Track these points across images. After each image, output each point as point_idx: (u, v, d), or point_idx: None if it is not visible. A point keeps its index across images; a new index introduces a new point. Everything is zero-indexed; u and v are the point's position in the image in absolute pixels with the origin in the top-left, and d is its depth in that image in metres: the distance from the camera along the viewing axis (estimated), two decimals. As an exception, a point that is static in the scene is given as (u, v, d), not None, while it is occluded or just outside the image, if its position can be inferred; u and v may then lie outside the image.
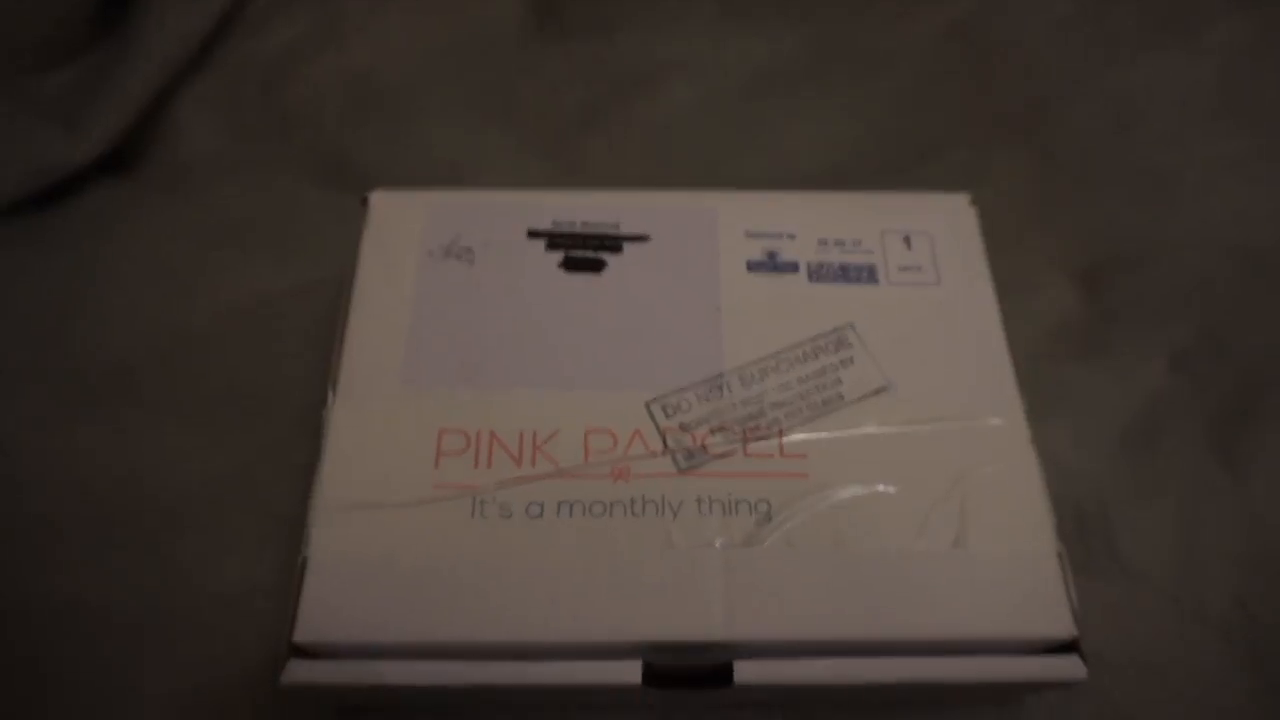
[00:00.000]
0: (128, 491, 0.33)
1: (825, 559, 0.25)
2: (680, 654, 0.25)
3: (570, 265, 0.30)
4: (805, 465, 0.27)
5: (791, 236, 0.31)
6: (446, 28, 0.48)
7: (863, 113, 0.44)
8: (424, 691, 0.25)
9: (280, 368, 0.36)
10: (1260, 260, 0.39)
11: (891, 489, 0.26)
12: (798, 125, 0.44)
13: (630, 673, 0.24)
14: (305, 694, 0.25)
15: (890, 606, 0.25)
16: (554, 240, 0.31)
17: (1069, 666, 0.24)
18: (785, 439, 0.27)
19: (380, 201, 0.32)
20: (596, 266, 0.30)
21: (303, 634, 0.24)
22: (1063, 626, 0.25)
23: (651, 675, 0.24)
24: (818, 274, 0.30)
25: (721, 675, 0.24)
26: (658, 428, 0.27)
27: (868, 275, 0.30)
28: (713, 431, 0.27)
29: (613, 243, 0.31)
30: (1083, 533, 0.32)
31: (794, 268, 0.30)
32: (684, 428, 0.27)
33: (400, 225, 0.31)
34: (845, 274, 0.30)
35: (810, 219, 0.31)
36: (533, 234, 0.31)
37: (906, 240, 0.31)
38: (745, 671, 0.24)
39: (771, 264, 0.31)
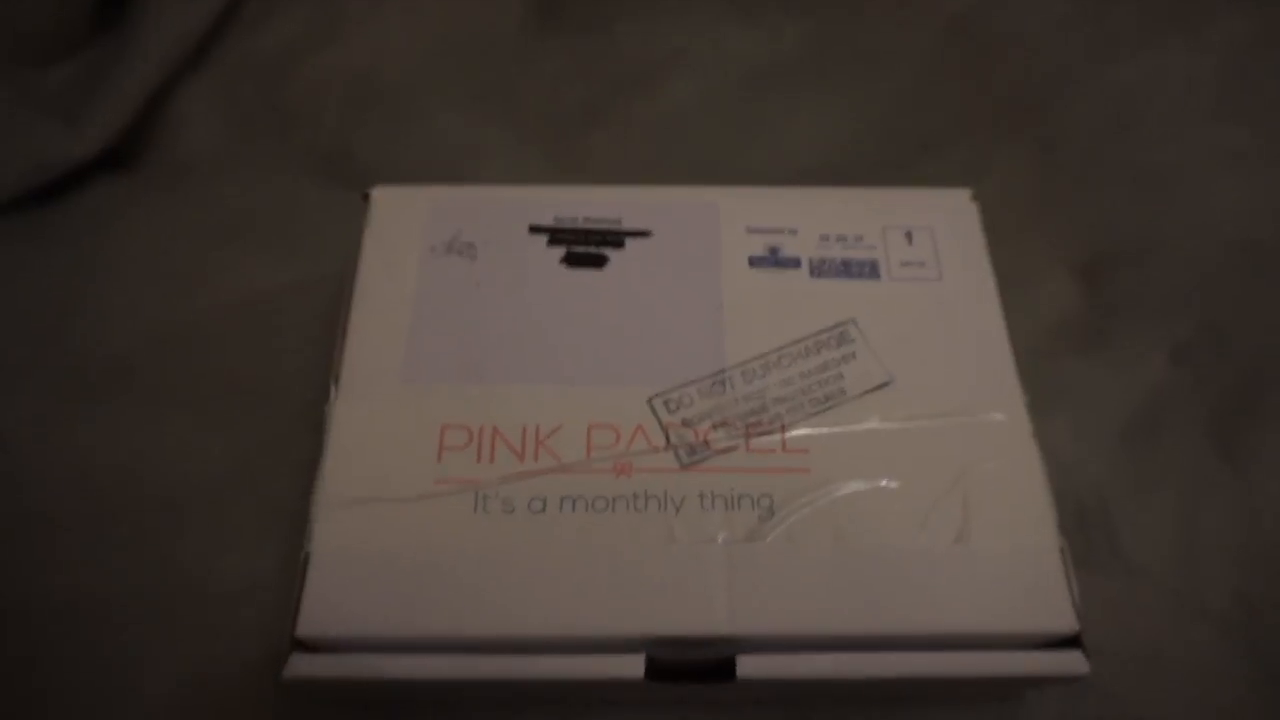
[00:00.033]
0: (128, 487, 0.33)
1: (827, 554, 0.25)
2: (683, 649, 0.25)
3: (572, 261, 0.30)
4: (807, 461, 0.27)
5: (793, 232, 0.31)
6: (446, 24, 0.47)
7: (863, 108, 0.44)
8: (426, 686, 0.25)
9: (280, 364, 0.36)
10: (1260, 255, 0.39)
11: (893, 484, 0.26)
12: (798, 121, 0.44)
13: (633, 667, 0.24)
14: (307, 688, 0.25)
15: (892, 602, 0.25)
16: (556, 236, 0.31)
17: (1071, 661, 0.25)
18: (787, 434, 0.27)
19: (382, 197, 0.32)
20: (598, 262, 0.30)
21: (305, 628, 0.24)
22: (1065, 621, 0.25)
23: (654, 670, 0.24)
24: (819, 269, 0.30)
25: (724, 670, 0.24)
26: (660, 423, 0.27)
27: (869, 271, 0.30)
28: (715, 427, 0.27)
29: (615, 238, 0.31)
30: (1084, 527, 0.33)
31: (796, 263, 0.30)
32: (686, 423, 0.27)
33: (402, 221, 0.31)
34: (847, 269, 0.30)
35: (812, 214, 0.31)
36: (535, 230, 0.31)
37: (908, 236, 0.31)
38: (748, 666, 0.24)
39: (773, 260, 0.31)
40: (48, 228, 0.40)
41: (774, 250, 0.31)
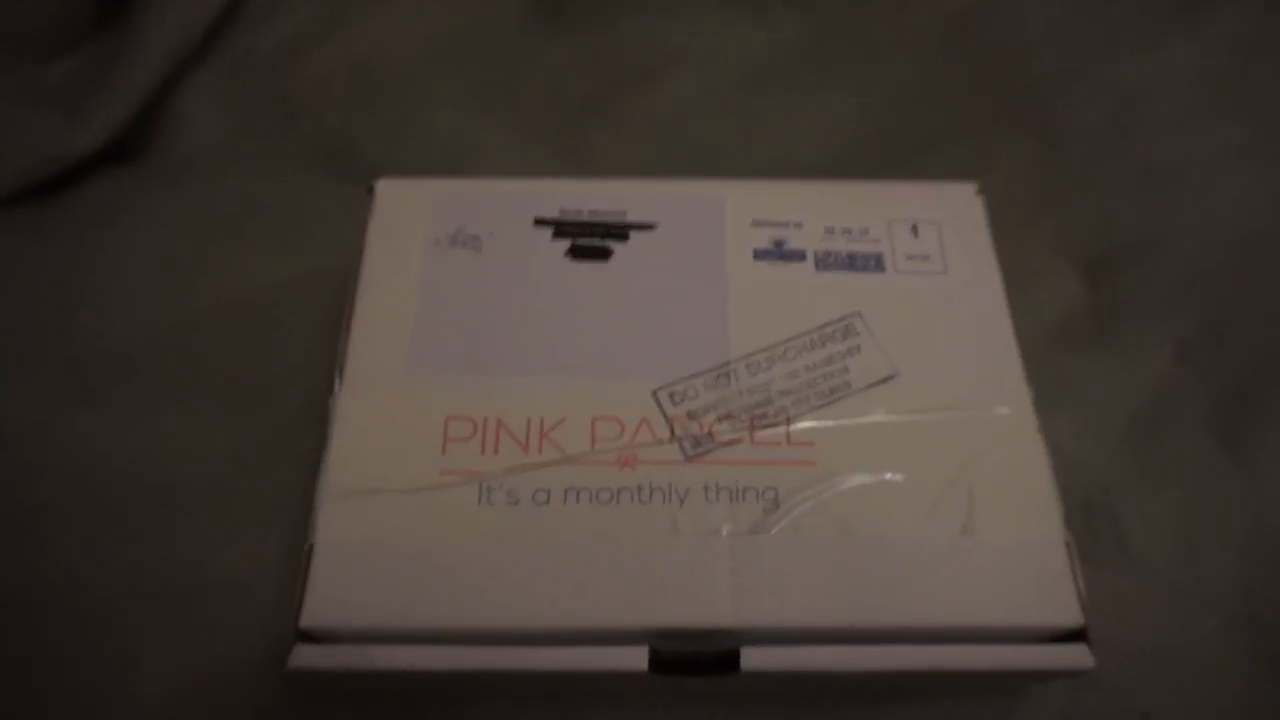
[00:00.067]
0: (130, 480, 0.33)
1: (832, 547, 0.25)
2: (687, 641, 0.25)
3: (577, 253, 0.30)
4: (812, 453, 0.27)
5: (798, 225, 0.31)
6: (449, 17, 0.47)
7: (866, 104, 0.44)
8: (430, 677, 0.25)
9: (284, 357, 0.36)
10: (1265, 250, 0.39)
11: (899, 477, 0.26)
12: (801, 117, 0.44)
13: (637, 659, 0.24)
14: (311, 679, 0.25)
15: (897, 594, 0.25)
16: (561, 228, 0.31)
17: (1077, 655, 0.24)
18: (792, 427, 0.27)
19: (386, 190, 0.32)
20: (603, 255, 0.30)
21: (309, 619, 0.24)
22: (1070, 615, 0.25)
23: (658, 662, 0.24)
24: (824, 262, 0.30)
25: (728, 662, 0.24)
26: (665, 415, 0.27)
27: (875, 264, 0.30)
28: (720, 419, 0.27)
29: (619, 231, 0.31)
30: (1089, 522, 0.32)
31: (801, 256, 0.30)
32: (691, 415, 0.27)
33: (406, 213, 0.31)
34: (852, 263, 0.30)
35: (817, 208, 0.31)
36: (539, 222, 0.31)
37: (914, 229, 0.31)
38: (751, 659, 0.24)
39: (778, 252, 0.30)
40: (50, 222, 0.40)
41: (779, 243, 0.31)
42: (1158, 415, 0.35)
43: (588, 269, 0.30)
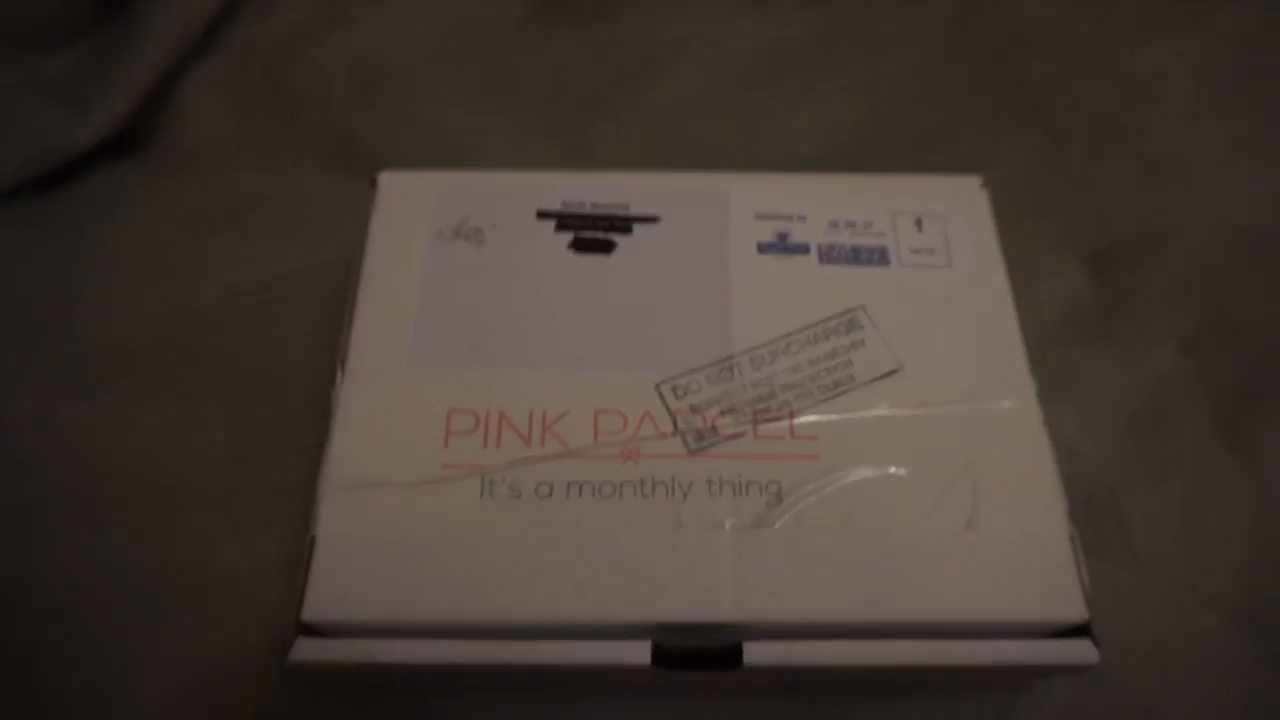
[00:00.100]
0: (131, 474, 0.33)
1: (835, 541, 0.25)
2: (689, 635, 0.24)
3: (580, 246, 0.30)
4: (816, 447, 0.27)
5: (802, 218, 0.31)
6: (452, 10, 0.47)
7: (870, 96, 0.44)
8: (431, 671, 0.25)
9: (285, 350, 0.36)
10: (1270, 244, 0.39)
11: (903, 471, 0.26)
12: (804, 109, 0.44)
13: (639, 653, 0.24)
14: (312, 673, 0.25)
15: (901, 589, 0.25)
16: (564, 221, 0.31)
17: (1081, 650, 0.24)
18: (796, 421, 0.27)
19: (389, 182, 0.32)
20: (606, 247, 0.30)
21: (311, 612, 0.24)
22: (1075, 610, 0.24)
23: (660, 656, 0.24)
24: (829, 256, 0.30)
25: (731, 656, 0.24)
26: (668, 409, 0.27)
27: (879, 257, 0.30)
28: (723, 413, 0.27)
29: (623, 224, 0.31)
30: (1093, 516, 0.32)
31: (805, 249, 0.30)
32: (694, 409, 0.27)
33: (409, 206, 0.31)
34: (856, 256, 0.30)
35: (821, 201, 0.31)
36: (542, 215, 0.31)
37: (918, 222, 0.31)
38: (754, 653, 0.24)
39: (782, 246, 0.30)
40: (50, 215, 0.40)
41: (783, 236, 0.31)
42: (1162, 410, 0.35)
43: (591, 262, 0.30)
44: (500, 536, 0.25)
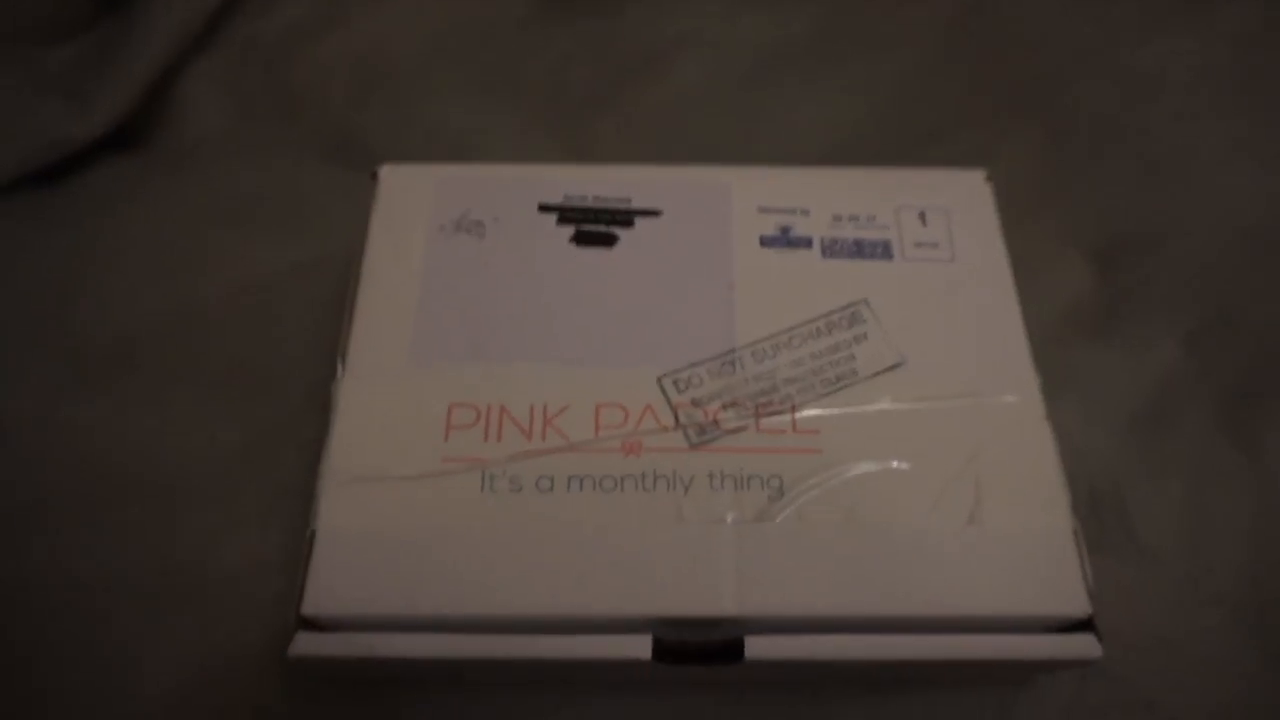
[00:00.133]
0: (131, 470, 0.33)
1: (837, 535, 0.25)
2: (690, 629, 0.24)
3: (582, 240, 0.30)
4: (818, 441, 0.26)
5: (805, 212, 0.31)
6: (452, 7, 0.47)
7: (872, 92, 0.44)
8: (432, 665, 0.25)
9: (286, 346, 0.36)
10: (1273, 240, 0.39)
11: (905, 465, 0.26)
12: (807, 106, 0.44)
13: (640, 648, 0.24)
14: (313, 667, 0.25)
15: (903, 583, 0.25)
16: (565, 215, 0.31)
17: (1084, 645, 0.24)
18: (798, 415, 0.27)
19: (390, 176, 0.31)
20: (608, 241, 0.30)
21: (311, 606, 0.24)
22: (1078, 605, 0.24)
23: (661, 651, 0.24)
24: (831, 250, 0.30)
25: (732, 651, 0.24)
26: (669, 403, 0.27)
27: (882, 251, 0.30)
28: (725, 407, 0.27)
29: (624, 217, 0.31)
30: (1096, 511, 0.32)
31: (808, 243, 0.30)
32: (696, 403, 0.27)
33: (410, 199, 0.31)
34: (860, 250, 0.30)
35: (824, 194, 0.31)
36: (544, 208, 0.31)
37: (921, 216, 0.31)
38: (756, 647, 0.24)
39: (785, 239, 0.30)
40: (51, 209, 0.40)
41: (786, 230, 0.30)
42: (1165, 405, 0.35)
43: (592, 255, 0.30)
44: (501, 530, 0.25)
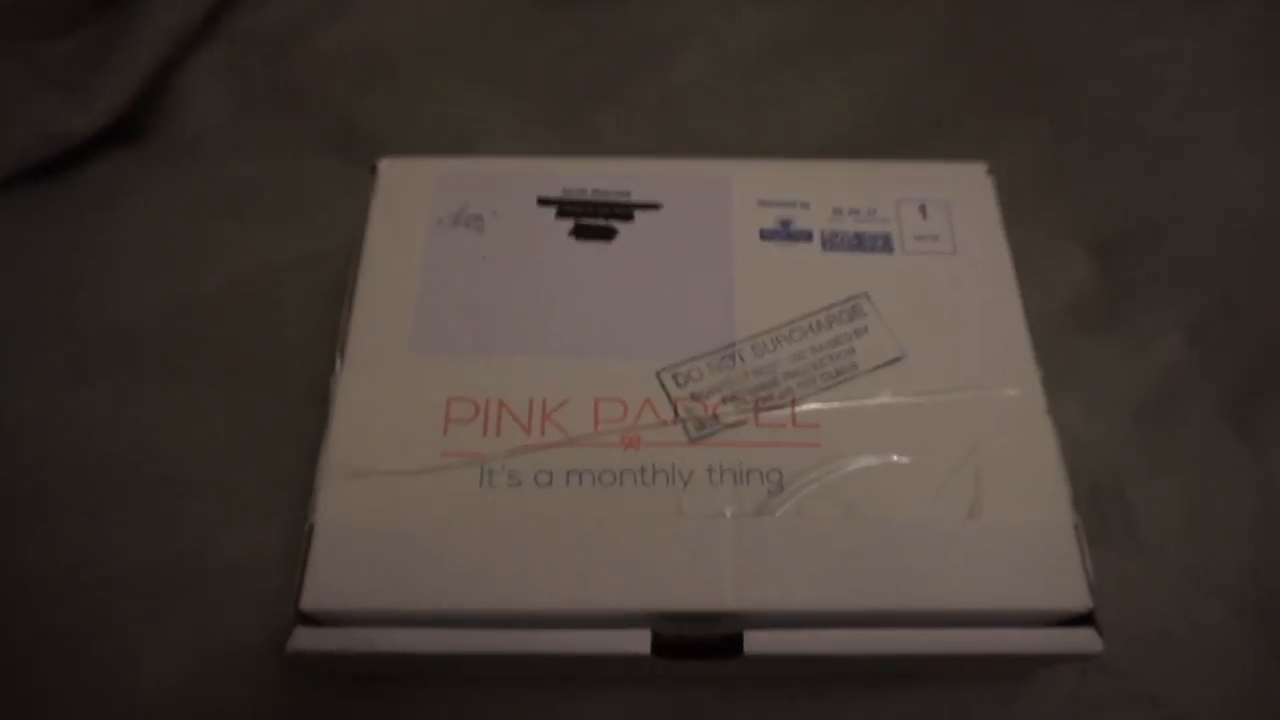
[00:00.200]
0: (131, 463, 0.33)
1: (837, 529, 0.25)
2: (690, 624, 0.24)
3: (581, 233, 0.30)
4: (818, 435, 0.26)
5: (805, 205, 0.31)
6: (454, -2, 0.47)
7: (874, 85, 0.44)
8: (430, 660, 0.25)
9: (285, 338, 0.36)
10: (1276, 233, 0.38)
11: (905, 459, 0.26)
12: (809, 97, 0.44)
13: (639, 642, 0.24)
14: (311, 662, 0.25)
15: (903, 577, 0.24)
16: (564, 208, 0.31)
17: (1085, 639, 0.24)
18: (798, 409, 0.27)
19: (389, 169, 0.31)
20: (607, 234, 0.30)
21: (309, 601, 0.24)
22: (1078, 599, 0.24)
23: (660, 645, 0.24)
24: (832, 243, 0.30)
25: (731, 646, 0.24)
26: (669, 397, 0.27)
27: (883, 244, 0.30)
28: (724, 401, 0.27)
29: (624, 211, 0.31)
30: (1098, 505, 0.32)
31: (808, 236, 0.30)
32: (695, 397, 0.27)
33: (409, 193, 0.31)
34: (860, 243, 0.30)
35: (825, 187, 0.31)
36: (543, 202, 0.31)
37: (922, 209, 0.31)
38: (755, 642, 0.24)
39: (785, 233, 0.30)
40: (51, 202, 0.40)
41: (786, 223, 0.30)
42: (1167, 398, 0.35)
43: (592, 249, 0.30)
44: (499, 525, 0.25)
